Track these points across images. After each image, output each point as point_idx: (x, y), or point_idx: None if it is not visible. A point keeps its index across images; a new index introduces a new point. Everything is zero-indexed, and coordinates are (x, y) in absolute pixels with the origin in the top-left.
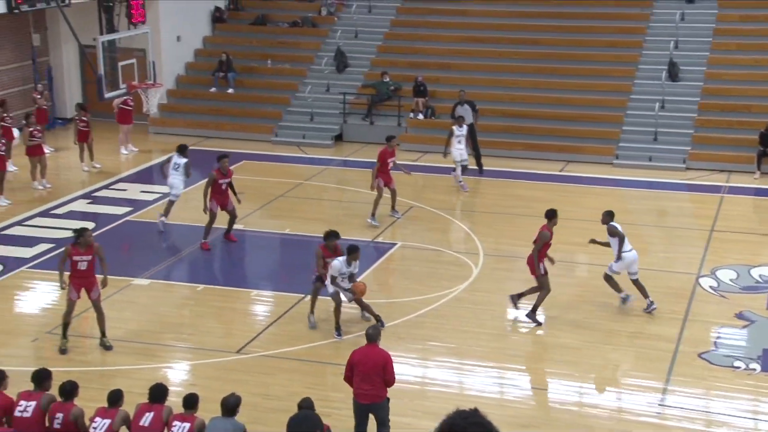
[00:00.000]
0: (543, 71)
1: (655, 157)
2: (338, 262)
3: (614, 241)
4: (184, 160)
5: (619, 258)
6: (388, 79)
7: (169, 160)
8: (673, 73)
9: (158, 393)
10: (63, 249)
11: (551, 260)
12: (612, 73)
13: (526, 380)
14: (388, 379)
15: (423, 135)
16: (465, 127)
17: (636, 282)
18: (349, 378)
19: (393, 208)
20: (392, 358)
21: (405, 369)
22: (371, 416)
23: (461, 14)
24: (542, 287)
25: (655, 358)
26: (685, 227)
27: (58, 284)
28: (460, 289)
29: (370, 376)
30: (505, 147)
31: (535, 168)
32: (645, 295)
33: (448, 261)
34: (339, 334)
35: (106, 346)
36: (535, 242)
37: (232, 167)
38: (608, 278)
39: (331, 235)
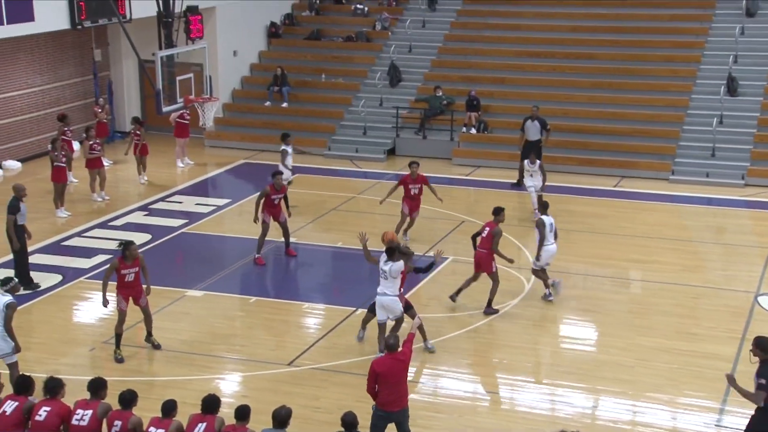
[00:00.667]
0: (598, 86)
1: (713, 173)
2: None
3: (538, 233)
4: (281, 147)
5: (539, 254)
6: (441, 94)
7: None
8: (732, 88)
9: (211, 404)
10: (109, 264)
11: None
12: (669, 88)
13: (579, 397)
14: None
15: (475, 149)
16: (538, 162)
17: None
18: (372, 389)
19: (405, 230)
20: (443, 372)
21: (456, 384)
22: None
23: (516, 29)
24: (496, 281)
25: (711, 377)
26: (744, 245)
27: (101, 299)
28: (512, 304)
29: (399, 384)
30: (559, 162)
31: (589, 183)
32: (546, 285)
33: (499, 276)
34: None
35: (154, 345)
36: (486, 240)
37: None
38: (536, 272)
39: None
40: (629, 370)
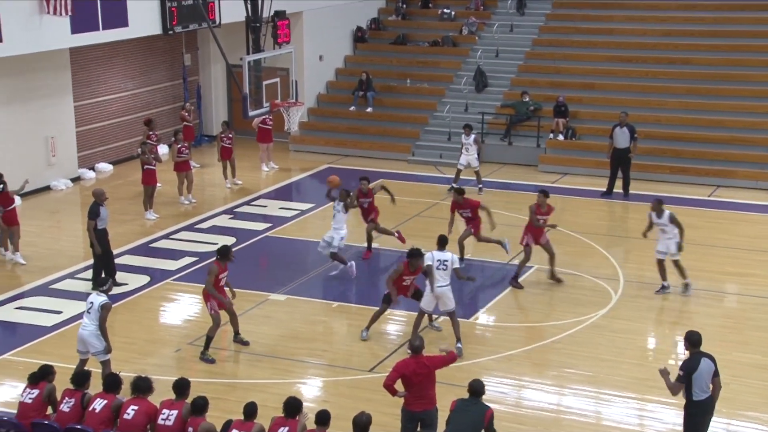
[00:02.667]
0: (694, 92)
1: None
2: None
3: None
4: (471, 137)
5: (680, 246)
6: (527, 99)
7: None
8: None
9: (292, 408)
10: (212, 270)
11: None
12: None
13: (669, 414)
14: (445, 364)
15: (563, 156)
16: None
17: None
18: (390, 386)
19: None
20: (527, 383)
21: (539, 395)
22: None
23: (607, 33)
24: (526, 255)
25: None
26: None
27: (225, 302)
28: (598, 315)
29: (422, 387)
30: (651, 170)
31: (682, 192)
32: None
33: (585, 286)
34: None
35: (243, 342)
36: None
37: (370, 185)
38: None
39: (415, 254)
40: (723, 387)
